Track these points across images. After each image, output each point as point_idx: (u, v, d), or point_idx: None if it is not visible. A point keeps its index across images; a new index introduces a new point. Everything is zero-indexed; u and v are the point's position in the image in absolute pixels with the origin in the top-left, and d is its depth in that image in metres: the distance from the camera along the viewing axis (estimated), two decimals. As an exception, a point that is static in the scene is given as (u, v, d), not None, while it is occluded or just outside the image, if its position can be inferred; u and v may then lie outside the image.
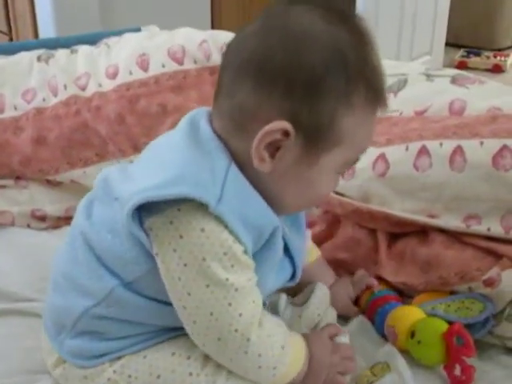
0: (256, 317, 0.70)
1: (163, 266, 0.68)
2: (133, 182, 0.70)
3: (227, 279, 0.66)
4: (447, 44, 3.20)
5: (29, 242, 1.14)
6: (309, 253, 0.92)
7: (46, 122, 1.18)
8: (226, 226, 0.65)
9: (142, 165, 0.75)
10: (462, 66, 3.29)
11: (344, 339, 0.81)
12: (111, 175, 0.77)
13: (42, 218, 1.20)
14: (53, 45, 1.33)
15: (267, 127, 0.65)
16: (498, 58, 3.31)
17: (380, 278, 0.97)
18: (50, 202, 1.20)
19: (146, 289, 0.72)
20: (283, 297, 0.88)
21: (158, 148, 0.75)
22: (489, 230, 0.89)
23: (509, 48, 3.56)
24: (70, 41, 1.35)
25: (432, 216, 0.94)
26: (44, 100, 1.20)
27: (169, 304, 0.70)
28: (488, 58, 3.32)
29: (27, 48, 1.31)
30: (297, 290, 0.90)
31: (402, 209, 0.97)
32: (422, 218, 0.95)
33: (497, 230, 0.89)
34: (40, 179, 1.21)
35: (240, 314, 0.67)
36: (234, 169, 0.67)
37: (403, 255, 0.97)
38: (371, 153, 1.00)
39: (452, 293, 0.91)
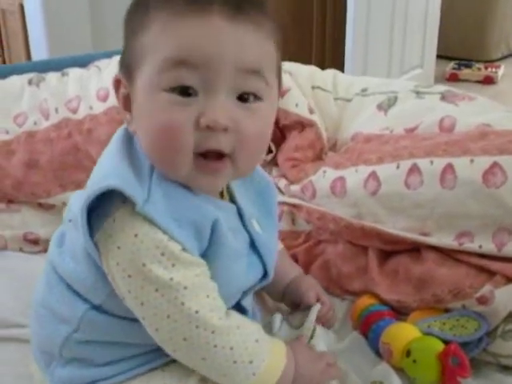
0: (216, 309, 0.68)
1: (114, 282, 0.67)
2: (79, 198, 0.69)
3: (172, 279, 0.65)
4: (438, 56, 3.22)
5: (21, 266, 1.14)
6: None
7: (37, 145, 1.18)
8: (159, 227, 0.64)
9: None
10: (453, 78, 3.32)
11: (322, 347, 0.81)
12: (70, 200, 0.77)
13: (35, 242, 1.20)
14: (44, 67, 1.34)
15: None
16: (489, 69, 3.33)
17: (374, 295, 0.96)
18: (42, 225, 1.20)
19: (115, 309, 0.71)
20: (278, 316, 0.88)
21: (100, 159, 0.74)
22: (481, 247, 0.89)
23: (500, 59, 3.59)
24: (61, 63, 1.36)
25: (424, 234, 0.95)
26: (35, 123, 1.20)
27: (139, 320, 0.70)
28: (479, 69, 3.34)
29: (18, 71, 1.31)
30: (293, 307, 0.89)
31: (395, 227, 0.97)
32: (415, 236, 0.95)
33: (489, 247, 0.89)
34: (32, 202, 1.21)
35: (196, 311, 0.66)
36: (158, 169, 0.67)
37: (396, 273, 0.97)
38: (362, 171, 1.01)
39: (446, 310, 0.91)
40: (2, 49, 2.78)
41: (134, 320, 0.70)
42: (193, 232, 0.66)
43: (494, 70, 3.32)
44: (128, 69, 0.68)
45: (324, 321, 0.87)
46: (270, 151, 1.26)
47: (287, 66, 1.28)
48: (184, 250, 0.65)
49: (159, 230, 0.64)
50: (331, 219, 1.03)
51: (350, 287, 1.01)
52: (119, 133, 0.73)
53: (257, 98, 0.66)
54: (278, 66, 0.71)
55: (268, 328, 0.86)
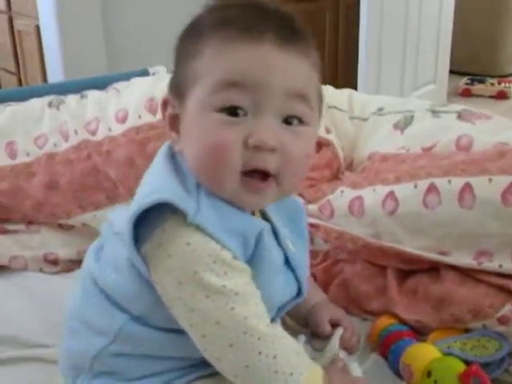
0: (263, 317, 0.69)
1: (163, 290, 0.69)
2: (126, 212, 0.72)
3: (224, 286, 0.66)
4: (451, 72, 3.23)
5: (42, 287, 1.15)
6: None
7: (57, 166, 1.20)
8: (211, 236, 0.66)
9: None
10: (466, 93, 3.32)
11: (358, 372, 0.81)
12: (113, 215, 0.80)
13: (55, 262, 1.21)
14: (61, 89, 1.35)
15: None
16: (503, 84, 3.33)
17: (392, 315, 0.96)
18: (61, 246, 1.21)
19: (155, 320, 0.73)
20: (302, 338, 0.88)
21: (145, 176, 0.76)
22: (500, 266, 0.89)
23: (512, 74, 3.58)
24: (79, 85, 1.38)
25: (443, 253, 0.95)
26: (55, 145, 1.21)
27: (179, 332, 0.70)
28: (492, 84, 3.34)
29: (36, 93, 1.33)
30: (314, 333, 0.90)
31: (413, 246, 0.97)
32: (433, 255, 0.95)
33: (508, 266, 0.89)
34: (52, 223, 1.22)
35: (245, 317, 0.67)
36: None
37: (415, 293, 0.97)
38: (380, 191, 1.01)
39: (466, 330, 0.91)
40: (18, 69, 2.83)
41: (173, 331, 0.72)
42: (241, 242, 0.69)
43: (507, 84, 3.32)
44: (179, 91, 0.71)
45: (347, 346, 0.87)
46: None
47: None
48: (235, 257, 0.68)
49: (211, 239, 0.66)
50: (349, 239, 1.04)
51: (369, 307, 1.01)
52: (163, 151, 0.75)
53: (301, 121, 0.70)
54: (320, 94, 0.74)
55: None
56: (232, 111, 0.66)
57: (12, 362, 0.94)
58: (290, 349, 0.71)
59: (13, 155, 1.21)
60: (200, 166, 0.69)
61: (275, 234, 0.76)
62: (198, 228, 0.66)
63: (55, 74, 2.33)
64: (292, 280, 0.78)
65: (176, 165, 0.72)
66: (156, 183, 0.71)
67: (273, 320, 0.77)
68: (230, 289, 0.67)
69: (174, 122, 0.72)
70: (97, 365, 0.75)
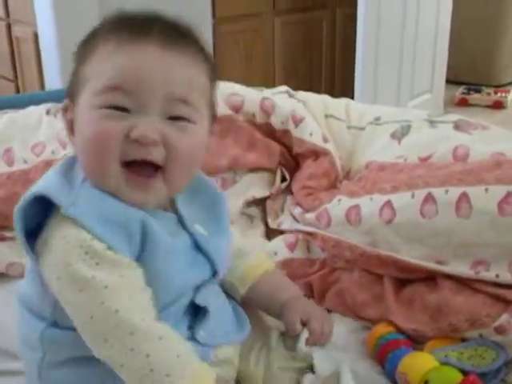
0: (139, 312, 0.68)
1: (50, 289, 0.69)
2: None
3: (94, 277, 0.66)
4: (447, 81, 3.23)
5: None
6: (259, 265, 0.91)
7: (54, 174, 1.19)
8: (83, 227, 0.67)
9: None
10: (462, 102, 3.33)
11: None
12: None
13: (51, 270, 1.20)
14: (60, 97, 1.35)
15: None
16: (499, 94, 3.34)
17: (390, 323, 0.96)
18: (58, 253, 1.21)
19: (66, 321, 0.70)
20: (274, 334, 0.86)
21: None
22: (497, 276, 0.90)
23: (509, 84, 3.60)
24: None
25: (440, 262, 0.95)
26: (53, 152, 1.21)
27: None
28: (488, 94, 3.35)
29: (35, 100, 1.33)
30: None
31: (410, 255, 0.97)
32: (431, 265, 0.96)
33: (505, 276, 0.89)
34: (49, 231, 1.22)
35: (116, 311, 0.66)
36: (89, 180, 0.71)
37: (413, 302, 0.97)
38: (377, 200, 1.02)
39: (463, 339, 0.91)
40: (16, 76, 2.82)
41: None
42: (123, 235, 0.69)
43: (503, 94, 3.33)
44: (72, 95, 0.74)
45: (319, 345, 0.85)
46: (284, 179, 1.26)
47: (299, 95, 1.29)
48: (109, 249, 0.67)
49: (83, 230, 0.67)
50: (347, 247, 1.04)
51: (366, 315, 1.01)
52: (66, 156, 0.78)
53: (187, 120, 0.72)
54: (211, 100, 0.77)
55: (267, 345, 0.86)
56: (117, 108, 0.69)
57: (4, 374, 0.92)
58: (168, 350, 0.67)
59: (10, 162, 1.21)
60: (84, 159, 0.71)
61: (182, 221, 0.77)
62: (73, 221, 0.67)
63: (53, 81, 2.33)
64: (203, 262, 0.78)
65: (71, 166, 0.74)
66: (40, 181, 0.72)
67: (193, 300, 0.76)
68: (100, 280, 0.66)
69: (72, 126, 0.74)
70: (42, 381, 0.75)
